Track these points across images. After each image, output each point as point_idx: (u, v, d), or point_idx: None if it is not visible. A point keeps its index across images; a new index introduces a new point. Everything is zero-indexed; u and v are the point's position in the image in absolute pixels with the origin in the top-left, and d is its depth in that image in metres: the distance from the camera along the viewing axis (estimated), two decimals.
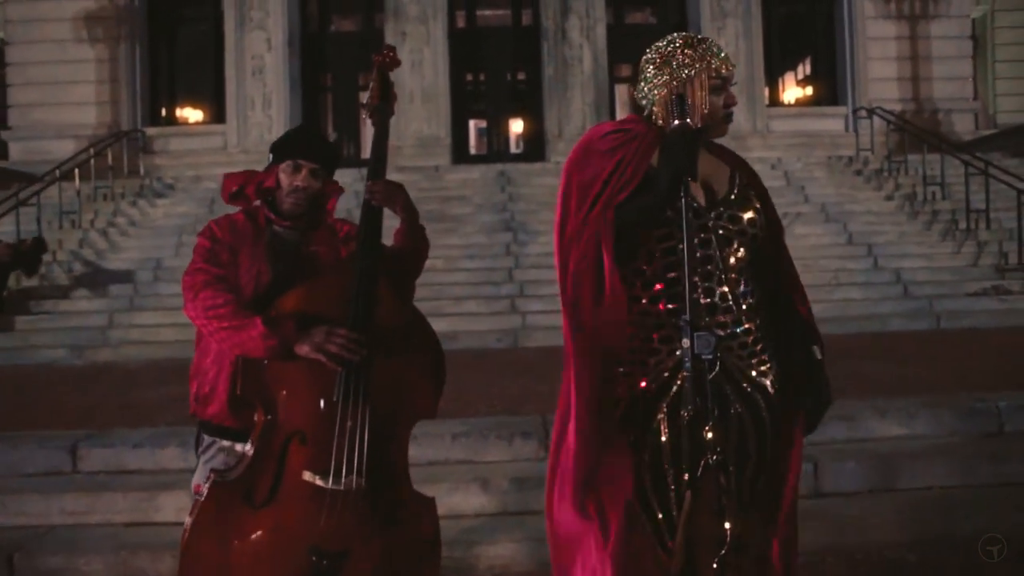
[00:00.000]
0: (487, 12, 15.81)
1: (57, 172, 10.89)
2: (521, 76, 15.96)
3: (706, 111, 1.66)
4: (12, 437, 4.03)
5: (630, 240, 1.62)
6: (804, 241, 9.10)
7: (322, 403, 1.88)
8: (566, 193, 1.68)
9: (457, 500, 3.31)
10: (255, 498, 1.86)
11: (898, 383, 4.75)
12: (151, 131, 14.62)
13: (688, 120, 1.56)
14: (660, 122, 1.70)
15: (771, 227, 1.76)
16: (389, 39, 14.37)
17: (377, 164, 2.07)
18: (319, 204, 2.13)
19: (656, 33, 10.32)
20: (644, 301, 1.66)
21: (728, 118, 1.72)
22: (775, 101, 15.20)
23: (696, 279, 1.58)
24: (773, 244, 1.77)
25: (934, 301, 8.06)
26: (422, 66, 14.39)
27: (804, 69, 16.01)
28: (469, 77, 15.98)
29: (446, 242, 8.90)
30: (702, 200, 1.68)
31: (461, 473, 3.50)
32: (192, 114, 15.63)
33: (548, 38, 14.32)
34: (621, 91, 15.88)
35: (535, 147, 14.79)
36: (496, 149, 15.62)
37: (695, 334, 1.47)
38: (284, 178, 2.05)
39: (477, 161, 14.59)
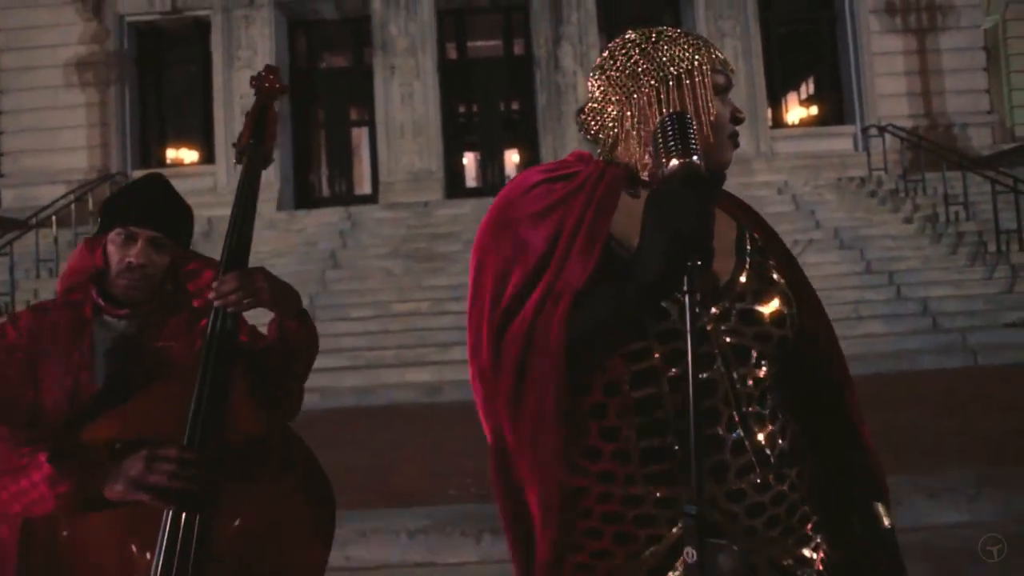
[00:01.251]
0: (478, 43, 15.50)
1: (34, 219, 10.54)
2: (515, 106, 15.59)
3: (712, 120, 1.10)
4: None
5: (583, 368, 1.01)
6: (818, 271, 8.49)
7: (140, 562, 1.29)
8: (476, 290, 1.08)
9: None
10: None
11: (943, 442, 4.09)
12: (140, 174, 14.29)
13: (696, 157, 0.92)
14: (631, 160, 1.13)
15: (809, 319, 1.15)
16: (378, 73, 14.11)
17: (236, 247, 1.46)
18: (174, 284, 1.61)
19: None
20: (605, 461, 1.05)
21: (735, 138, 1.16)
22: (779, 122, 14.68)
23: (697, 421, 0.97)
24: (814, 346, 1.16)
25: (967, 334, 7.39)
26: (412, 99, 14.11)
27: (808, 88, 15.52)
28: (461, 109, 15.64)
29: (432, 283, 8.40)
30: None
31: None
32: (184, 155, 15.37)
33: (540, 66, 13.97)
34: None
35: None
36: (491, 181, 15.18)
37: (709, 545, 0.84)
38: (113, 252, 1.52)
39: (472, 194, 14.19)
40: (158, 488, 1.25)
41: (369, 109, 14.56)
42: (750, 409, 1.04)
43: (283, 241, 10.77)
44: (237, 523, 1.35)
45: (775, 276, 1.12)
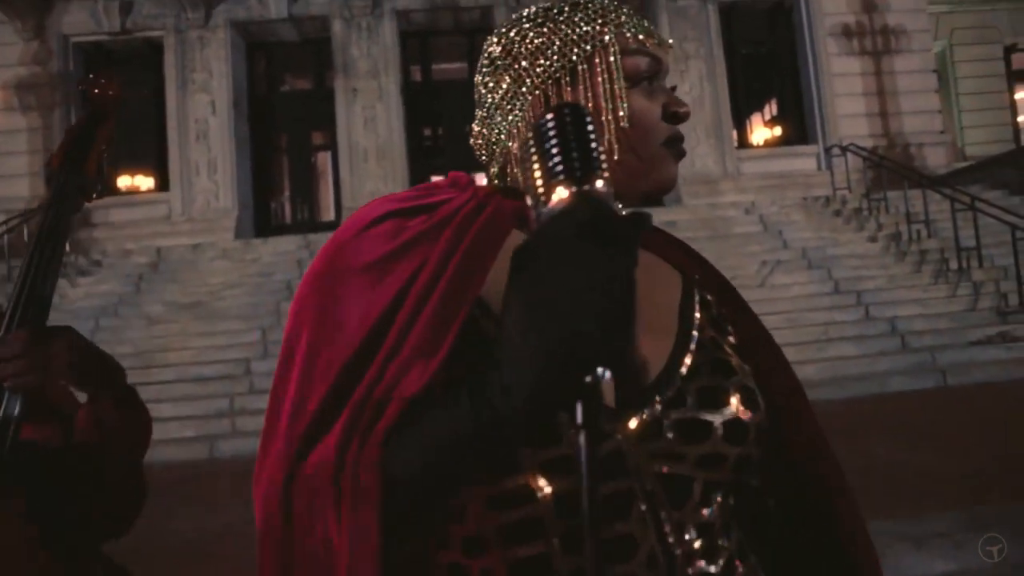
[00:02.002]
0: (443, 65, 15.35)
1: None
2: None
3: (622, 123, 0.76)
4: None
5: (421, 517, 0.66)
6: (787, 292, 8.37)
7: None
8: (281, 373, 0.71)
9: None
10: None
11: (922, 477, 3.87)
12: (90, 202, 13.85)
13: (600, 182, 0.53)
14: (525, 186, 0.75)
15: (786, 419, 0.81)
16: (340, 96, 13.86)
17: (27, 302, 1.10)
18: None
19: None
20: None
21: (675, 145, 0.80)
22: (744, 143, 14.71)
23: None
24: (791, 450, 0.83)
25: (936, 353, 7.26)
26: (375, 122, 13.90)
27: (772, 109, 15.60)
28: (427, 132, 15.41)
29: None
30: (610, 399, 0.64)
31: None
32: (138, 182, 14.88)
33: None
34: None
35: None
36: None
37: None
38: None
39: None
40: None
41: (331, 133, 14.29)
42: (691, 572, 0.68)
43: (236, 272, 10.35)
44: None
45: (732, 360, 0.77)
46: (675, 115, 0.79)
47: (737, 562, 0.73)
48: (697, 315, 0.79)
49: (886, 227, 10.20)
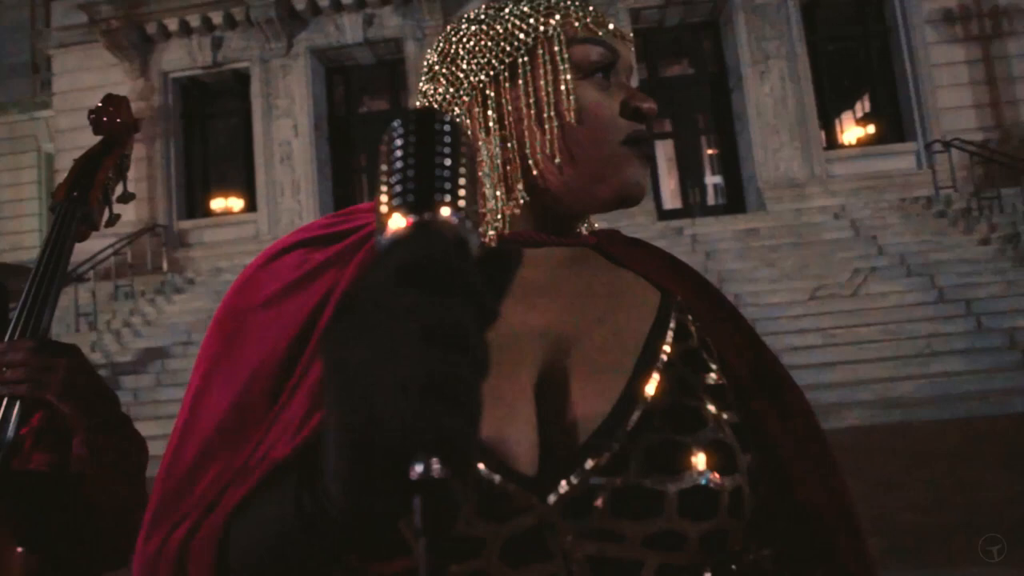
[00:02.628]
0: None
1: (75, 273, 10.71)
2: None
3: (569, 120, 0.66)
4: None
5: None
6: (883, 301, 7.78)
7: None
8: (177, 430, 0.61)
9: None
10: None
11: None
12: (186, 224, 14.73)
13: (446, 210, 0.38)
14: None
15: (793, 470, 0.66)
16: None
17: (32, 314, 1.12)
18: None
19: (693, 84, 9.26)
20: None
21: (638, 144, 0.68)
22: (833, 143, 13.95)
23: None
24: (795, 521, 0.66)
25: None
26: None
27: (863, 107, 14.76)
28: None
29: None
30: (525, 457, 0.58)
31: None
32: (226, 204, 15.56)
33: None
34: (661, 148, 14.97)
35: None
36: None
37: None
38: None
39: None
40: None
41: None
42: None
43: None
44: None
45: (704, 408, 0.62)
46: (637, 111, 0.68)
47: None
48: (667, 348, 0.65)
49: (1001, 228, 9.38)
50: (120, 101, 1.36)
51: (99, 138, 1.36)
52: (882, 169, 12.73)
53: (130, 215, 14.89)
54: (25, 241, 18.48)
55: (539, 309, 0.65)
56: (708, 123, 14.90)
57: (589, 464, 0.57)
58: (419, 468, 0.34)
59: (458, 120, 0.50)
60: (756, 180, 12.78)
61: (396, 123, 0.42)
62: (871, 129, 14.33)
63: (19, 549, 1.05)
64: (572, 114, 0.66)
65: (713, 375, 0.67)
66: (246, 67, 14.51)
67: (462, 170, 0.41)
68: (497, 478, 0.56)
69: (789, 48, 13.08)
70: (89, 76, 15.01)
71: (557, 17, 0.68)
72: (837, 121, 14.50)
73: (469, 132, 0.68)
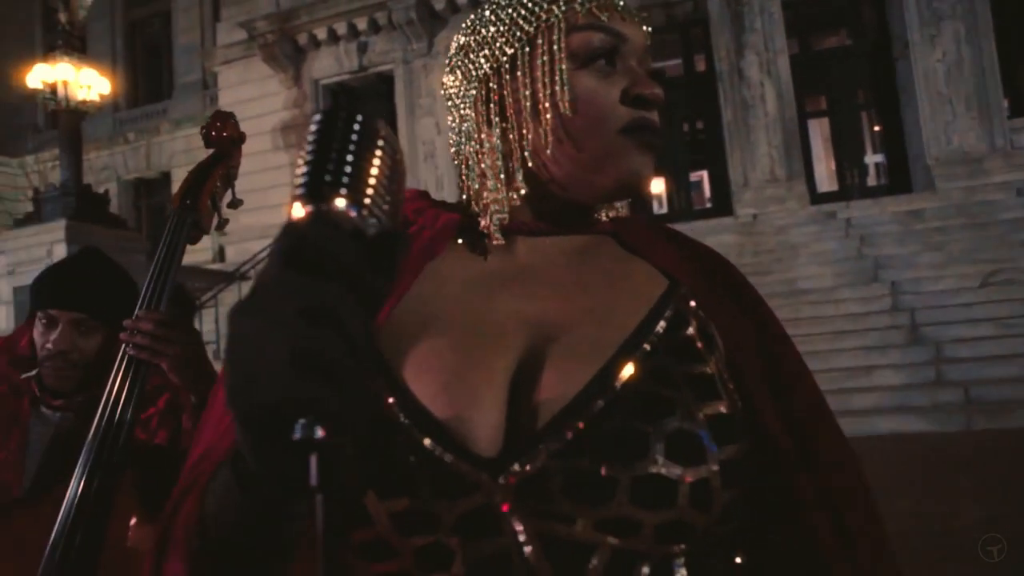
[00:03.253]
0: (656, 64, 14.85)
1: (238, 272, 11.62)
2: (700, 125, 14.66)
3: (564, 111, 0.68)
4: None
5: None
6: None
7: None
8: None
9: None
10: None
11: None
12: None
13: (342, 202, 0.43)
14: (465, 196, 0.74)
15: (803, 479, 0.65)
16: None
17: (156, 290, 1.30)
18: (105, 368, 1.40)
19: (851, 56, 8.60)
20: None
21: (638, 133, 0.68)
22: (1020, 111, 12.35)
23: None
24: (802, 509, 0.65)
25: None
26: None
27: None
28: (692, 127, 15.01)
29: None
30: (487, 436, 0.61)
31: None
32: None
33: (723, 80, 13.03)
34: (815, 127, 13.97)
35: (721, 200, 13.37)
36: (677, 207, 14.38)
37: None
38: (37, 338, 1.42)
39: (660, 220, 13.41)
40: None
41: None
42: None
43: None
44: None
45: (687, 396, 0.62)
46: (638, 98, 0.68)
47: None
48: (654, 337, 0.65)
49: None
50: (227, 117, 1.46)
51: (210, 151, 1.49)
52: None
53: (284, 219, 16.12)
54: (200, 244, 20.44)
55: (529, 297, 0.67)
56: (868, 98, 13.76)
57: (546, 447, 0.59)
58: (299, 432, 0.39)
59: (373, 118, 0.46)
60: (924, 157, 11.60)
61: (314, 116, 0.45)
62: None
63: (140, 515, 1.22)
64: (567, 104, 0.66)
65: (703, 366, 0.65)
66: (390, 69, 15.14)
67: (372, 165, 0.43)
68: (449, 457, 0.59)
69: (967, 5, 11.74)
70: (249, 88, 16.29)
71: (560, 3, 0.68)
72: None
73: (471, 125, 0.70)
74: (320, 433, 0.39)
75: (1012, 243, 7.95)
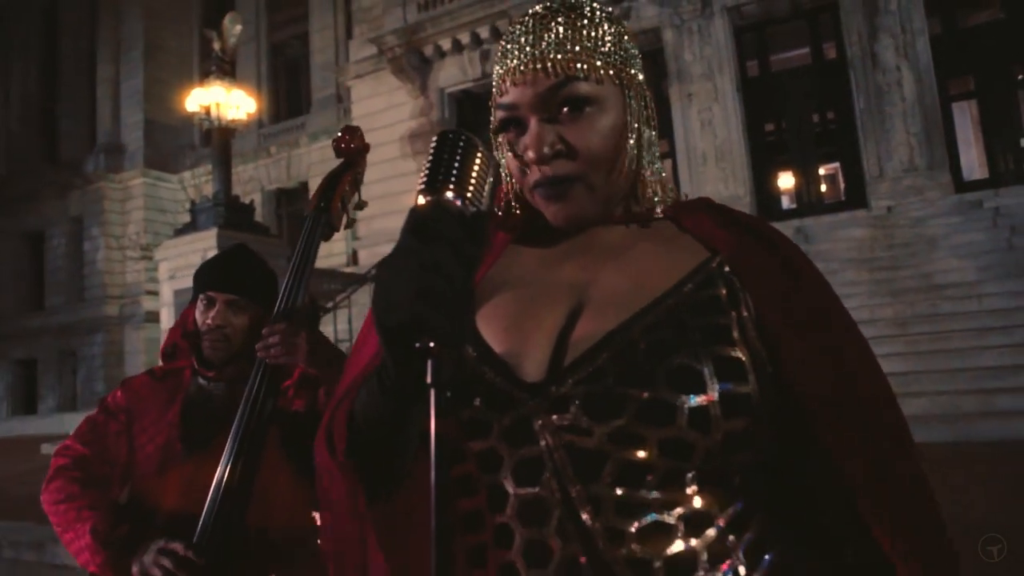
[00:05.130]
0: (781, 55, 14.38)
1: (368, 274, 12.23)
2: (830, 116, 14.00)
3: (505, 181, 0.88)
4: None
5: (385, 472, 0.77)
6: None
7: None
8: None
9: None
10: None
11: None
12: None
13: (449, 193, 0.63)
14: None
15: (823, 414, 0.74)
16: (675, 103, 13.87)
17: (286, 301, 1.53)
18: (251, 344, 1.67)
19: (1004, 32, 8.13)
20: None
21: (541, 188, 0.82)
22: None
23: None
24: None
25: None
26: (712, 125, 13.60)
27: None
28: (770, 127, 14.54)
29: None
30: (535, 364, 0.76)
31: None
32: None
33: (855, 67, 12.40)
34: (961, 111, 12.97)
35: (854, 192, 12.71)
36: (807, 200, 13.80)
37: None
38: (198, 317, 1.70)
39: (788, 216, 12.96)
40: None
41: (670, 139, 14.33)
42: (618, 550, 0.69)
43: None
44: None
45: (698, 339, 0.73)
46: (528, 161, 0.80)
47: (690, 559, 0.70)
48: (680, 296, 0.77)
49: None
50: (355, 130, 1.70)
51: (340, 160, 1.72)
52: None
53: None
54: (336, 248, 21.60)
55: (584, 269, 0.81)
56: None
57: (573, 376, 0.73)
58: (418, 344, 0.58)
59: (474, 138, 0.65)
60: None
61: (433, 138, 0.65)
62: None
63: (289, 471, 1.47)
64: (504, 179, 0.86)
65: (722, 318, 0.75)
66: None
67: (472, 169, 0.63)
68: (500, 381, 0.74)
69: None
70: (379, 100, 17.13)
71: (505, 53, 0.82)
72: None
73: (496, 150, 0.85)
74: (432, 345, 0.57)
75: None
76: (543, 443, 0.72)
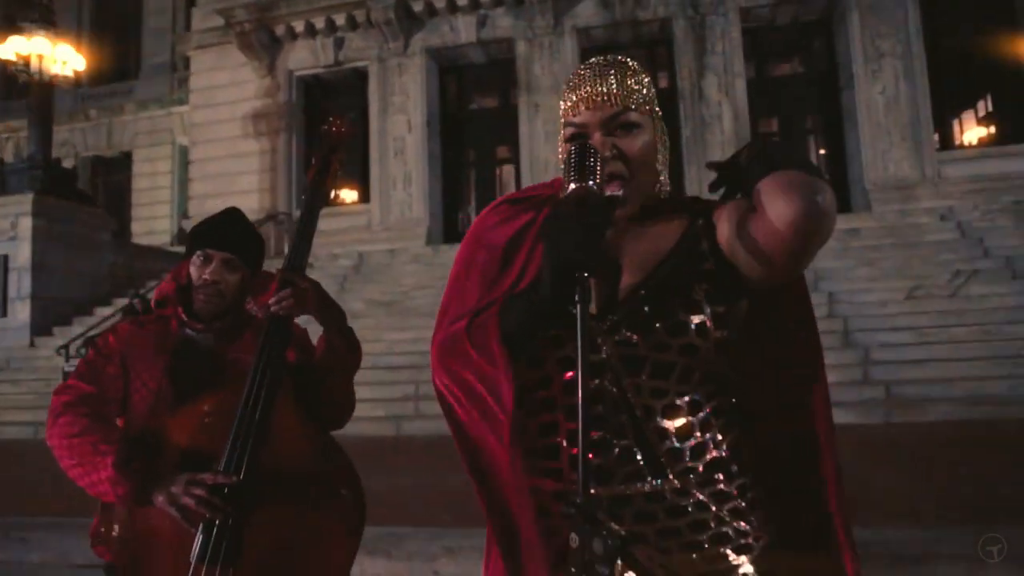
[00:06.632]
0: None
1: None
2: None
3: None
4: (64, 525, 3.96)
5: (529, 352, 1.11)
6: (982, 303, 7.70)
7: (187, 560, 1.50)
8: (446, 291, 1.22)
9: None
10: None
11: None
12: None
13: (593, 182, 0.98)
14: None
15: (768, 339, 1.14)
16: (523, 112, 14.57)
17: (293, 259, 1.67)
18: (239, 301, 1.81)
19: (802, 83, 9.44)
20: (523, 456, 1.10)
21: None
22: (948, 144, 13.50)
23: (594, 433, 1.05)
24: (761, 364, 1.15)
25: None
26: (556, 137, 14.27)
27: (986, 105, 14.16)
28: None
29: None
30: (593, 304, 1.06)
31: None
32: (344, 195, 16.50)
33: (684, 98, 13.78)
34: None
35: None
36: None
37: (586, 530, 0.84)
38: (194, 271, 1.79)
39: None
40: (186, 510, 1.47)
41: (515, 147, 15.06)
42: (650, 422, 1.04)
43: (428, 274, 11.26)
44: (270, 539, 1.50)
45: (692, 280, 1.10)
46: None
47: (697, 427, 1.08)
48: (679, 253, 1.12)
49: None
50: (343, 119, 1.92)
51: (326, 143, 1.90)
52: (1001, 171, 12.23)
53: (253, 203, 16.08)
54: (158, 226, 20.22)
55: (628, 242, 1.14)
56: (816, 123, 14.73)
57: (622, 308, 1.09)
58: (581, 275, 0.89)
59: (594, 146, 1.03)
60: (863, 181, 12.57)
61: (572, 148, 1.01)
62: (992, 129, 13.76)
63: (298, 415, 1.62)
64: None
65: (707, 263, 1.12)
66: (365, 66, 15.38)
67: (600, 166, 0.98)
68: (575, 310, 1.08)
69: (905, 46, 12.79)
70: (222, 74, 16.35)
71: (571, 92, 1.18)
72: (955, 121, 14.01)
73: None
74: (586, 276, 0.90)
75: (934, 262, 8.85)
76: (604, 353, 1.07)
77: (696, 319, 1.06)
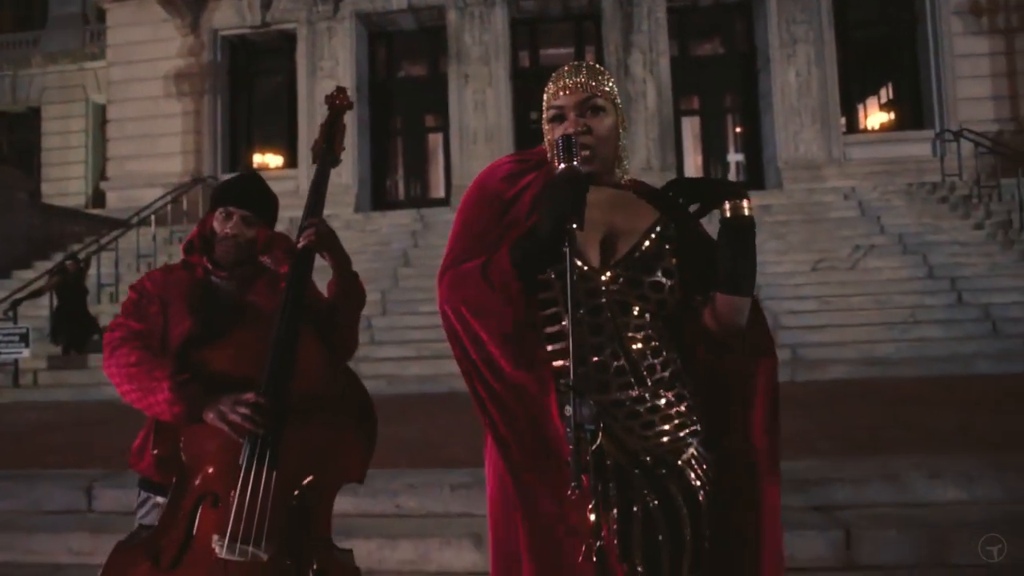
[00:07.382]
0: (550, 51, 15.88)
1: (135, 219, 11.52)
2: None
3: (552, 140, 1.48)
4: (31, 476, 4.07)
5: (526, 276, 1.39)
6: (877, 275, 8.48)
7: (235, 466, 1.76)
8: (454, 236, 1.48)
9: (448, 556, 3.12)
10: (162, 561, 1.74)
11: (963, 437, 4.19)
12: (228, 176, 15.27)
13: (575, 162, 1.31)
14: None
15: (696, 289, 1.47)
16: (453, 81, 14.68)
17: (314, 208, 1.94)
18: (255, 253, 2.05)
19: (723, 64, 10.05)
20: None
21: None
22: (854, 128, 14.48)
23: (587, 350, 1.38)
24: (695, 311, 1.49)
25: None
26: (485, 107, 14.59)
27: (887, 93, 15.23)
28: (533, 116, 16.03)
29: None
30: (595, 260, 1.43)
31: (456, 528, 3.26)
32: (269, 160, 16.28)
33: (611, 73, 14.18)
34: (687, 124, 15.53)
35: None
36: None
37: (576, 399, 1.19)
38: (217, 226, 2.01)
39: None
40: (234, 425, 1.71)
41: (444, 116, 15.20)
42: (633, 346, 1.39)
43: (359, 240, 11.37)
44: (301, 444, 1.79)
45: (666, 254, 1.44)
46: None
47: (663, 350, 1.42)
48: (656, 231, 1.47)
49: (996, 215, 10.00)
50: (344, 90, 2.15)
51: (332, 111, 2.12)
52: (898, 155, 13.27)
53: (176, 166, 15.71)
54: (72, 187, 19.37)
55: (601, 213, 1.43)
56: (735, 103, 15.44)
57: (619, 265, 1.41)
58: (569, 226, 1.26)
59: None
60: (776, 160, 13.36)
61: (559, 137, 1.34)
62: (892, 116, 14.83)
63: (316, 341, 1.87)
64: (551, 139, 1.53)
65: (672, 243, 1.47)
66: (293, 28, 15.12)
67: (582, 149, 1.38)
68: (583, 266, 1.40)
69: (817, 33, 13.58)
70: (141, 31, 15.74)
71: (551, 85, 1.50)
72: (860, 106, 14.99)
73: None
74: (574, 225, 1.24)
75: (837, 237, 9.65)
76: (603, 298, 1.39)
77: (668, 281, 1.42)
